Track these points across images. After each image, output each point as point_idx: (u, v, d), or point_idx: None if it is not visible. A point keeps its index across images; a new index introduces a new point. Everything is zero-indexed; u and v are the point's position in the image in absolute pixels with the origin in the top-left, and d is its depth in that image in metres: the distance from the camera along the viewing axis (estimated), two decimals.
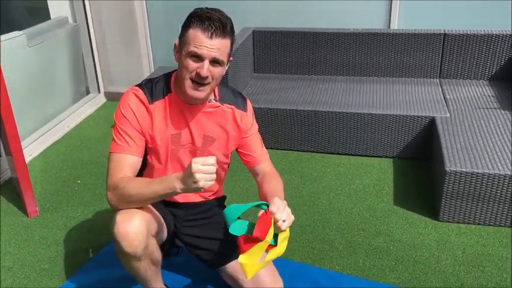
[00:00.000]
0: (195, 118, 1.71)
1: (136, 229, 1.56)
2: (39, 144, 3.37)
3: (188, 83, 1.58)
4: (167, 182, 1.50)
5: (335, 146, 3.19)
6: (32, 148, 3.28)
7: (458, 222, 2.47)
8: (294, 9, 3.75)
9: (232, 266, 1.90)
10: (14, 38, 3.17)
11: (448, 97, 3.23)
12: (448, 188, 2.41)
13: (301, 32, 3.64)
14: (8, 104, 2.37)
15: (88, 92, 4.21)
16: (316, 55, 3.67)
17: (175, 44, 1.64)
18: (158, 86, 1.69)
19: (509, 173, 2.31)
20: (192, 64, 1.55)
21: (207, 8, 1.59)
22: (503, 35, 3.33)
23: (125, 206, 1.59)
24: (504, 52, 3.37)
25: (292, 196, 2.75)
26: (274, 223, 1.50)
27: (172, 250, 2.16)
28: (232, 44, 1.62)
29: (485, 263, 2.20)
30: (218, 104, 1.74)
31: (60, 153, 3.33)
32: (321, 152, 3.22)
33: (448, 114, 2.98)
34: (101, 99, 4.22)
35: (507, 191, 2.34)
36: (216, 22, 1.53)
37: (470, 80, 3.49)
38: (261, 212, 1.51)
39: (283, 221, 1.51)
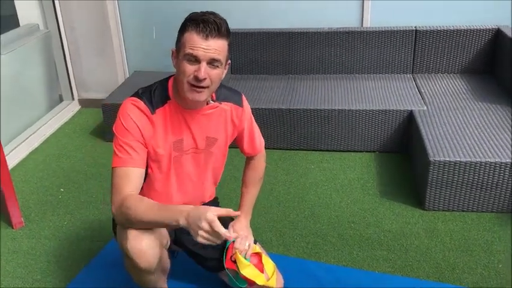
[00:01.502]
0: (196, 121, 1.69)
1: (150, 245, 1.55)
2: (16, 154, 3.28)
3: (187, 87, 1.55)
4: (173, 213, 1.46)
5: (317, 142, 3.24)
6: (9, 158, 3.18)
7: (443, 210, 2.56)
8: (269, 9, 3.80)
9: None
10: None
11: (423, 91, 3.34)
12: (432, 177, 2.49)
13: (276, 32, 3.68)
14: None
15: (61, 100, 4.12)
16: (293, 54, 3.72)
17: (172, 51, 1.62)
18: (157, 95, 1.65)
19: (489, 160, 2.42)
20: (189, 67, 1.53)
21: (201, 11, 1.59)
22: (471, 29, 3.46)
23: (128, 225, 1.55)
24: (473, 46, 3.51)
25: (281, 193, 2.79)
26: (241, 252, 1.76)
27: (169, 254, 2.15)
28: (229, 45, 1.60)
29: (472, 247, 2.29)
30: (217, 104, 1.74)
31: (40, 163, 3.25)
32: (304, 149, 3.27)
33: (425, 107, 3.08)
34: (75, 106, 4.14)
35: (488, 177, 2.44)
36: (210, 24, 1.51)
37: (442, 74, 3.62)
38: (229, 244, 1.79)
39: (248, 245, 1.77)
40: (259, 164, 1.98)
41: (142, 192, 1.74)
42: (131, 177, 1.58)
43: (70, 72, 4.05)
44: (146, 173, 1.71)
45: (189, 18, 1.55)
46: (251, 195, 1.98)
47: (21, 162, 3.27)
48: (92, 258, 2.30)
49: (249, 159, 1.98)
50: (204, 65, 1.53)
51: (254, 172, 1.98)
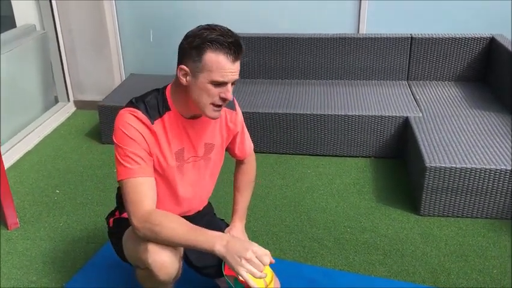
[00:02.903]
0: (194, 129, 1.67)
1: (171, 257, 1.53)
2: (11, 155, 3.26)
3: (210, 107, 1.53)
4: (208, 236, 1.44)
5: (313, 147, 3.26)
6: (4, 159, 3.15)
7: (438, 216, 2.59)
8: (265, 14, 3.82)
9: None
10: None
11: (418, 97, 3.37)
12: (427, 183, 2.52)
13: (273, 37, 3.71)
14: None
15: (56, 101, 4.11)
16: (289, 59, 3.75)
17: (182, 68, 1.51)
18: (152, 105, 1.59)
19: (484, 166, 2.44)
20: (214, 90, 1.49)
21: (214, 27, 1.48)
22: (466, 38, 3.51)
23: (153, 240, 1.51)
24: (468, 54, 3.55)
25: (277, 197, 2.79)
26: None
27: None
28: None
29: (468, 252, 2.31)
30: None
31: (35, 164, 3.24)
32: (300, 154, 3.28)
33: (420, 114, 3.11)
34: (71, 108, 4.13)
35: (483, 184, 2.47)
36: (234, 46, 1.46)
37: (436, 81, 3.66)
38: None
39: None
40: (251, 166, 1.98)
41: None
42: (146, 188, 1.53)
43: (66, 73, 4.04)
44: None
45: (209, 39, 1.45)
46: (245, 199, 1.97)
47: (16, 163, 3.25)
48: (88, 259, 2.30)
49: (240, 163, 1.97)
50: (230, 86, 1.51)
51: (246, 176, 1.97)
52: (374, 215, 2.62)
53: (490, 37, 3.49)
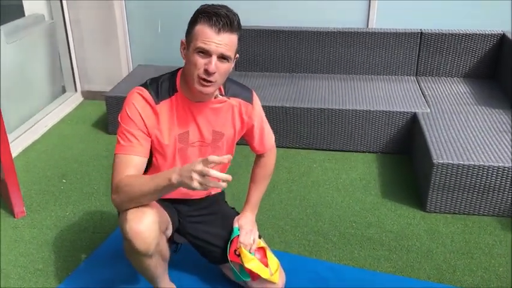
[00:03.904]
0: (202, 115, 1.70)
1: (148, 227, 1.55)
2: (19, 144, 3.28)
3: (196, 80, 1.56)
4: (164, 175, 1.47)
5: (319, 142, 3.25)
6: (11, 148, 3.16)
7: (444, 213, 2.57)
8: (276, 7, 3.80)
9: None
10: None
11: (427, 93, 3.35)
12: (434, 179, 2.50)
13: (282, 30, 3.69)
14: None
15: (64, 91, 4.11)
16: (298, 53, 3.73)
17: (181, 42, 1.61)
18: (164, 86, 1.66)
19: (492, 164, 2.43)
20: (200, 60, 1.53)
21: (213, 4, 1.58)
22: (476, 34, 3.48)
23: (128, 204, 1.56)
24: (478, 50, 3.52)
25: (283, 191, 2.79)
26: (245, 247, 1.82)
27: (171, 247, 2.16)
28: (239, 39, 1.60)
29: (473, 250, 2.30)
30: (225, 98, 1.74)
31: (42, 153, 3.25)
32: (306, 148, 3.28)
33: (428, 110, 3.09)
34: (78, 98, 4.13)
35: (491, 181, 2.46)
36: (223, 18, 1.51)
37: (445, 78, 3.63)
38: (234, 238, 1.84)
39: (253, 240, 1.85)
40: (269, 161, 1.99)
41: None
42: (131, 164, 1.60)
43: (73, 63, 4.04)
44: (151, 162, 1.72)
45: (201, 10, 1.55)
46: (259, 191, 1.99)
47: (23, 152, 3.26)
48: (94, 249, 2.31)
49: (259, 156, 1.98)
50: (214, 58, 1.53)
51: (263, 169, 1.98)
52: (379, 210, 2.62)
53: (500, 34, 3.46)
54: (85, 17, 3.88)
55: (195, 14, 1.57)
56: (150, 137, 1.65)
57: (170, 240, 2.09)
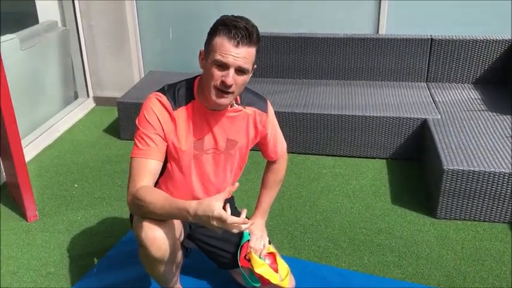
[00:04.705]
0: (218, 123, 1.71)
1: (164, 234, 1.57)
2: (32, 149, 3.32)
3: (213, 91, 1.57)
4: (180, 210, 1.47)
5: (329, 147, 3.25)
6: (24, 153, 3.22)
7: (455, 219, 2.56)
8: (286, 13, 3.82)
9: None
10: (8, 41, 3.13)
11: (437, 100, 3.34)
12: (445, 186, 2.50)
13: (292, 36, 3.71)
14: (10, 105, 2.35)
15: (76, 97, 4.17)
16: (307, 59, 3.75)
17: (200, 52, 1.62)
18: (181, 93, 1.67)
19: (503, 170, 2.42)
20: (217, 72, 1.54)
21: (233, 15, 1.57)
22: (487, 40, 3.47)
23: (141, 215, 1.58)
24: (488, 56, 3.51)
25: (292, 197, 2.80)
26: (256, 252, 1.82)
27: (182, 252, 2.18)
28: (257, 52, 1.61)
29: (484, 257, 2.29)
30: (240, 107, 1.75)
31: (54, 158, 3.29)
32: (316, 154, 3.28)
33: (439, 116, 3.09)
34: (90, 104, 4.18)
35: (501, 188, 2.44)
36: (242, 30, 1.51)
37: (456, 84, 3.62)
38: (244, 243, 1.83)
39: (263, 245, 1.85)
40: (281, 167, 2.00)
41: (160, 186, 1.77)
42: (147, 169, 1.61)
43: (86, 69, 4.09)
44: (165, 167, 1.73)
45: (221, 22, 1.55)
46: (269, 196, 2.00)
47: (36, 157, 3.31)
48: (106, 253, 2.33)
49: (271, 163, 2.00)
50: (232, 71, 1.54)
51: (274, 175, 2.00)
52: (389, 216, 2.61)
53: (511, 40, 3.45)
54: (97, 23, 3.93)
55: (214, 25, 1.58)
56: (167, 142, 1.67)
57: (181, 245, 2.11)
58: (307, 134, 3.24)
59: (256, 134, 1.83)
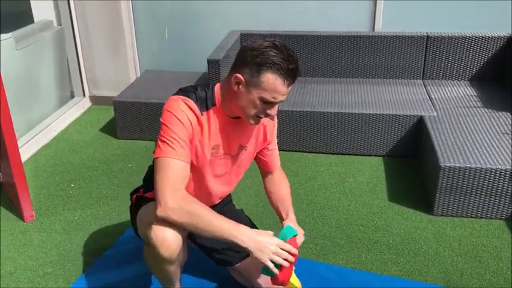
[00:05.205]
0: (234, 129, 1.70)
1: (174, 234, 1.55)
2: (28, 149, 3.31)
3: (254, 117, 1.60)
4: (233, 230, 1.50)
5: (326, 145, 3.26)
6: (20, 153, 3.21)
7: (452, 216, 2.57)
8: (281, 12, 3.82)
9: (243, 263, 1.93)
10: (3, 41, 3.12)
11: (433, 96, 3.35)
12: (442, 182, 2.50)
13: (288, 34, 3.71)
14: (6, 105, 2.34)
15: (72, 96, 4.15)
16: (303, 57, 3.74)
17: (237, 77, 1.54)
18: (201, 97, 1.63)
19: (500, 167, 2.42)
20: (261, 105, 1.55)
21: (278, 47, 1.51)
22: (482, 37, 3.48)
23: (182, 225, 1.52)
24: (484, 53, 3.52)
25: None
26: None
27: None
28: None
29: (481, 253, 2.30)
30: None
31: (50, 158, 3.28)
32: (312, 152, 3.28)
33: (435, 113, 3.09)
34: (86, 103, 4.17)
35: (498, 184, 2.45)
36: (294, 72, 1.52)
37: (452, 81, 3.63)
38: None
39: None
40: (284, 176, 2.00)
41: None
42: (186, 173, 1.56)
43: (81, 69, 4.08)
44: None
45: (274, 59, 1.49)
46: (288, 202, 1.97)
47: (32, 157, 3.30)
48: (103, 253, 2.32)
49: (270, 174, 1.96)
50: (277, 106, 1.58)
51: (285, 186, 1.98)
52: (387, 214, 2.62)
53: (507, 36, 3.46)
54: (92, 22, 3.92)
55: (263, 57, 1.49)
56: (192, 146, 1.62)
57: None
58: (303, 132, 3.24)
59: (264, 141, 1.84)
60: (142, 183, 1.92)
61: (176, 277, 1.79)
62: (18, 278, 2.18)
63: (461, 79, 3.63)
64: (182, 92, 1.63)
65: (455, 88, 3.50)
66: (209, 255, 1.98)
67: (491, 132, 2.82)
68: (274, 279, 1.61)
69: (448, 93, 3.41)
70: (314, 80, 3.72)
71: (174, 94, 1.63)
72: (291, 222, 1.85)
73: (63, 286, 2.12)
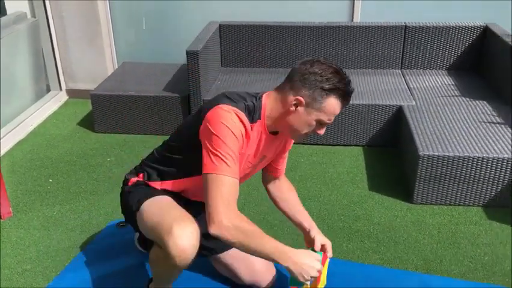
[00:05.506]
0: (266, 143, 1.69)
1: (193, 244, 1.54)
2: (4, 144, 3.24)
3: (301, 135, 1.64)
4: (278, 256, 1.55)
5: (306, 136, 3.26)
6: None
7: (431, 204, 2.60)
8: (261, 3, 3.80)
9: (229, 255, 1.93)
10: None
11: (412, 86, 3.38)
12: (421, 171, 2.53)
13: (267, 25, 3.69)
14: None
15: (48, 90, 4.07)
16: (283, 48, 3.73)
17: (299, 99, 1.56)
18: (249, 109, 1.60)
19: (477, 155, 2.46)
20: (315, 126, 1.60)
21: (339, 72, 1.59)
22: (460, 26, 3.51)
23: (232, 243, 1.52)
24: (461, 43, 3.56)
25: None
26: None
27: None
28: None
29: (460, 240, 2.34)
30: None
31: (27, 153, 3.22)
32: (293, 143, 3.28)
33: (414, 103, 3.12)
34: (63, 97, 4.10)
35: (476, 172, 2.49)
36: (350, 96, 1.61)
37: (430, 70, 3.67)
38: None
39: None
40: (289, 183, 2.02)
41: (177, 182, 1.76)
42: (236, 189, 1.54)
43: (57, 62, 4.00)
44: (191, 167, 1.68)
45: (340, 85, 1.56)
46: (304, 210, 2.00)
47: (8, 152, 3.23)
48: (82, 248, 2.29)
49: (275, 182, 1.98)
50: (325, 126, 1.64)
51: (294, 193, 2.02)
52: (367, 203, 2.64)
53: (483, 26, 3.50)
54: (68, 14, 3.84)
55: (330, 86, 1.55)
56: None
57: None
58: None
59: (283, 150, 1.86)
60: (129, 170, 1.88)
61: (174, 279, 1.78)
62: None
63: (439, 68, 3.67)
64: (230, 100, 1.58)
65: (433, 77, 3.54)
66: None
67: (468, 120, 2.86)
68: None
69: (426, 83, 3.45)
70: None
71: (221, 102, 1.57)
72: (319, 235, 1.89)
73: (42, 283, 2.09)
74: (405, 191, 2.71)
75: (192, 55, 3.17)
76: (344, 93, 1.56)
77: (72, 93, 4.13)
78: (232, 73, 3.71)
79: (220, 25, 3.71)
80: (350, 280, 2.08)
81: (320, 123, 1.59)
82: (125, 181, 1.86)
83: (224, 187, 1.50)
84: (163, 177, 1.78)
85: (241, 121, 1.55)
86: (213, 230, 1.50)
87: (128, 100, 3.38)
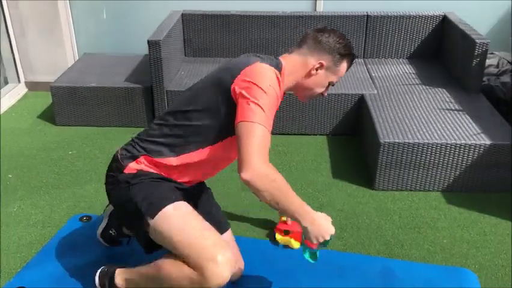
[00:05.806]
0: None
1: (230, 273, 1.54)
2: None
3: (315, 94, 1.81)
4: (300, 213, 1.60)
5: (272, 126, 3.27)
6: None
7: (392, 190, 2.67)
8: None
9: None
10: None
11: (374, 75, 3.43)
12: (382, 158, 2.58)
13: (231, 14, 3.67)
14: None
15: (6, 82, 3.95)
16: (247, 37, 3.72)
17: (321, 63, 1.72)
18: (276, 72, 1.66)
19: (436, 141, 2.53)
20: (326, 87, 1.81)
21: (348, 41, 1.76)
22: (419, 16, 3.58)
23: (260, 191, 1.53)
24: (421, 32, 3.63)
25: (236, 177, 2.79)
26: None
27: (124, 239, 2.14)
28: None
29: (420, 224, 2.40)
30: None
31: None
32: None
33: (375, 91, 3.17)
34: (22, 90, 3.98)
35: (435, 158, 2.56)
36: None
37: (391, 59, 3.73)
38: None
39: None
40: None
41: (199, 152, 1.72)
42: (269, 143, 1.57)
43: (15, 53, 3.88)
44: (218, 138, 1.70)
45: (351, 53, 1.77)
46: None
47: None
48: (45, 243, 2.25)
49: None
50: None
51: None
52: (330, 190, 2.68)
53: (442, 15, 3.58)
54: (24, 3, 3.72)
55: (347, 50, 1.74)
56: None
57: (122, 234, 2.08)
58: None
59: None
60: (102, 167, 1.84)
61: None
62: None
63: (401, 57, 3.74)
64: (263, 59, 1.66)
65: (395, 66, 3.60)
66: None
67: (428, 108, 2.93)
68: None
69: (388, 71, 3.51)
70: None
71: (256, 60, 1.64)
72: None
73: (2, 280, 2.04)
74: (367, 178, 2.76)
75: (153, 45, 3.13)
76: (353, 58, 1.78)
77: (31, 85, 4.02)
78: (195, 63, 3.68)
79: (182, 14, 3.67)
80: (313, 266, 2.10)
81: (330, 84, 1.77)
82: (119, 166, 1.71)
83: (261, 138, 1.52)
84: (180, 150, 1.69)
85: (278, 80, 1.63)
86: (245, 175, 1.49)
87: (89, 92, 3.31)
